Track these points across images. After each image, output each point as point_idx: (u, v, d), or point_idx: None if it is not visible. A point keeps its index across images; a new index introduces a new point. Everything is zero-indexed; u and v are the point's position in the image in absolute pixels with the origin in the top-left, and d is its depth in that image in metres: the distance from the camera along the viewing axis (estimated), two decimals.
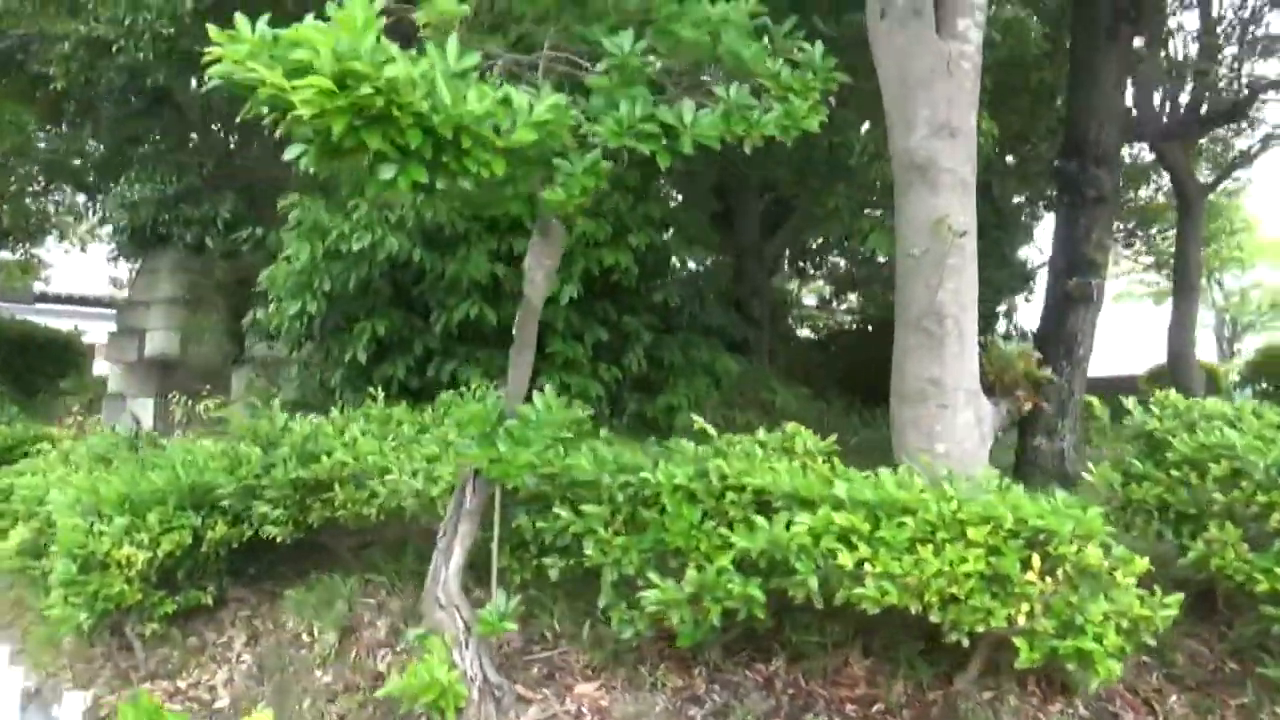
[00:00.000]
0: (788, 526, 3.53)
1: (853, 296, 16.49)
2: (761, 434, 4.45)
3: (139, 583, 5.75)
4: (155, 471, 6.20)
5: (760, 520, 3.61)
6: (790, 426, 4.53)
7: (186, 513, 6.01)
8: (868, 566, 3.41)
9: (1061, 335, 9.53)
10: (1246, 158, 15.07)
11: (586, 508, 4.03)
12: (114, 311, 28.03)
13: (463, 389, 6.75)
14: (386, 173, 2.82)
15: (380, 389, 7.06)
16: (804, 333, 16.57)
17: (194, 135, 9.25)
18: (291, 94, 2.71)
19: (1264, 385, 16.11)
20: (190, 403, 11.07)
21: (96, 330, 21.47)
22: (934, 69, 4.48)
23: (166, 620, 5.91)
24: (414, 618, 5.32)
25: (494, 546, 4.22)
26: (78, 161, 11.37)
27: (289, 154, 2.86)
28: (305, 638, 5.51)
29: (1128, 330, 22.80)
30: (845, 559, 3.41)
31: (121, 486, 6.14)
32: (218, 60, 2.75)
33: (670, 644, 4.24)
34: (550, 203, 3.23)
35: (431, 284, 6.45)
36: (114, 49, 5.86)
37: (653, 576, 3.81)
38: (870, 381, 10.58)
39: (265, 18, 2.88)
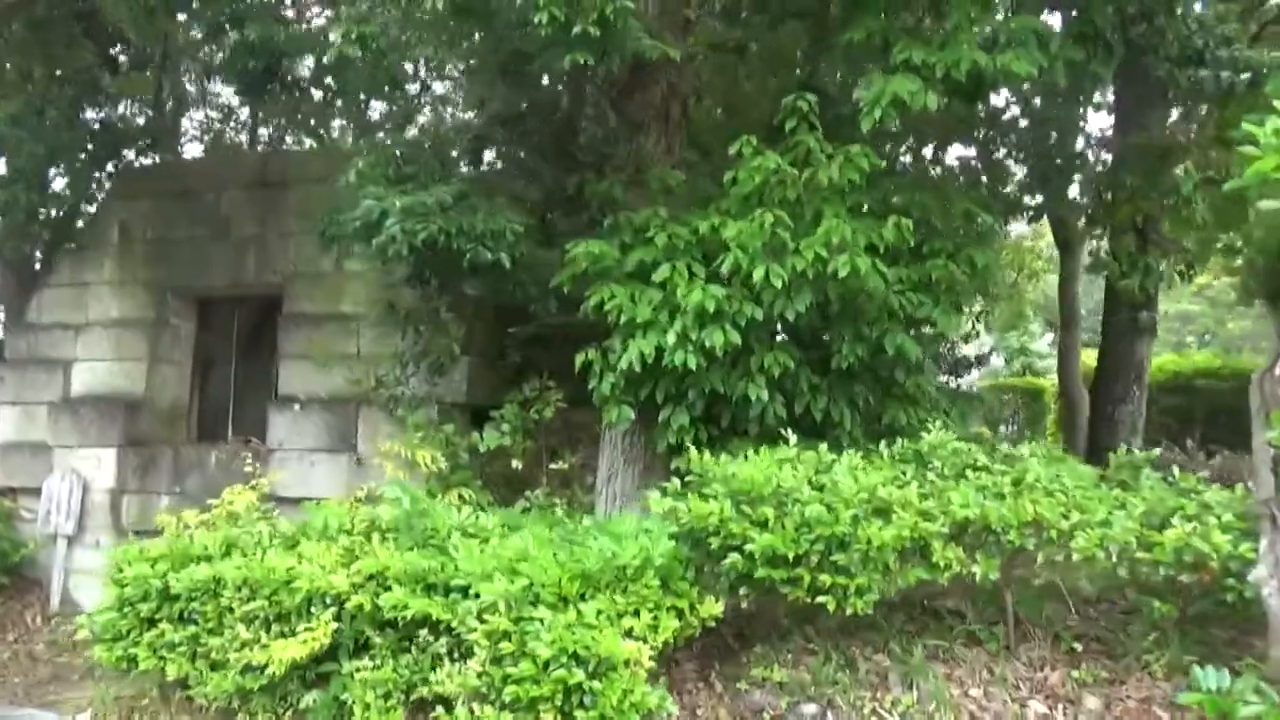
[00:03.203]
0: None
1: None
2: None
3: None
4: (614, 542, 5.00)
5: None
6: None
7: (656, 588, 4.95)
8: None
9: (1131, 363, 10.68)
10: None
11: None
12: None
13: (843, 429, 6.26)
14: None
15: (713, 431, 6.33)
16: None
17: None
18: None
19: None
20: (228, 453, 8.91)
21: None
22: None
23: None
24: (1030, 687, 4.85)
25: None
26: None
27: None
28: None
29: None
30: None
31: (551, 566, 4.90)
32: None
33: None
34: None
35: (840, 313, 5.83)
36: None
37: None
38: None
39: None
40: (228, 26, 7.05)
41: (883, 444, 5.78)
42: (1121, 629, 5.04)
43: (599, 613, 4.70)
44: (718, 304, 5.50)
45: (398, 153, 6.26)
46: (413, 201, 5.76)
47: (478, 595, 5.00)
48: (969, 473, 5.28)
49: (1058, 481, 4.98)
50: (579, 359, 6.18)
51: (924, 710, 4.70)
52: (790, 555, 4.71)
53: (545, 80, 7.22)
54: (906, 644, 5.18)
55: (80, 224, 10.32)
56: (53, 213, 9.40)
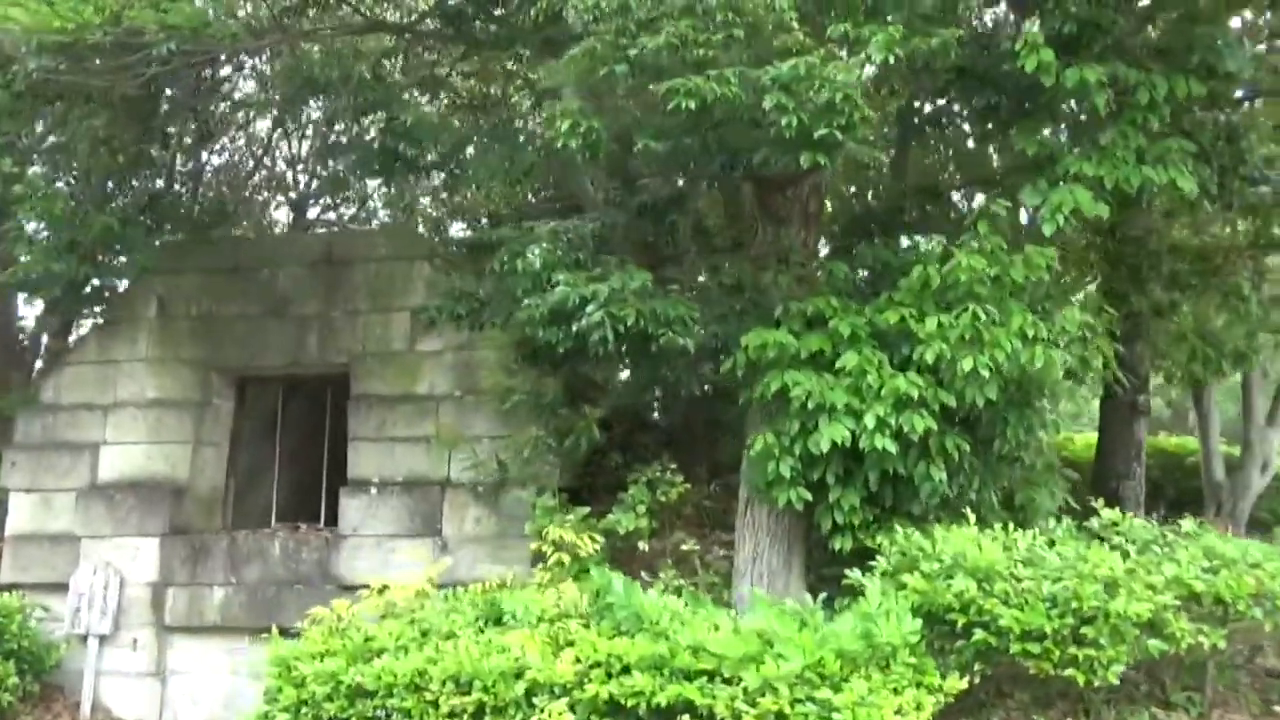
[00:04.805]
0: None
1: None
2: None
3: None
4: (863, 620, 5.12)
5: None
6: None
7: (911, 666, 5.10)
8: None
9: (1131, 442, 11.61)
10: None
11: None
12: None
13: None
14: None
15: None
16: None
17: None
18: None
19: None
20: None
21: None
22: None
23: None
24: None
25: None
26: None
27: None
28: None
29: None
30: None
31: (811, 647, 5.01)
32: None
33: None
34: None
35: (1009, 401, 6.24)
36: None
37: None
38: None
39: None
40: (358, 110, 7.05)
41: (1053, 522, 6.18)
42: None
43: (871, 692, 4.84)
44: (920, 391, 5.83)
45: (567, 238, 6.36)
46: (611, 289, 5.88)
47: (729, 679, 5.05)
48: (1155, 548, 5.73)
49: (1249, 555, 5.48)
50: (756, 442, 6.34)
51: None
52: (1048, 630, 4.99)
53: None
54: (1117, 714, 5.51)
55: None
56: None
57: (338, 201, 12.19)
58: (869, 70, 5.48)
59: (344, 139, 8.22)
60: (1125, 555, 5.56)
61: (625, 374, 9.53)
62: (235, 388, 9.68)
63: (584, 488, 8.60)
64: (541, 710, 5.24)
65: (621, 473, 9.07)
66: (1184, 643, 5.09)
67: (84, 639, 8.65)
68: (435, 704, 5.43)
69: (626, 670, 5.27)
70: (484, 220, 9.82)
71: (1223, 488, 13.52)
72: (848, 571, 5.88)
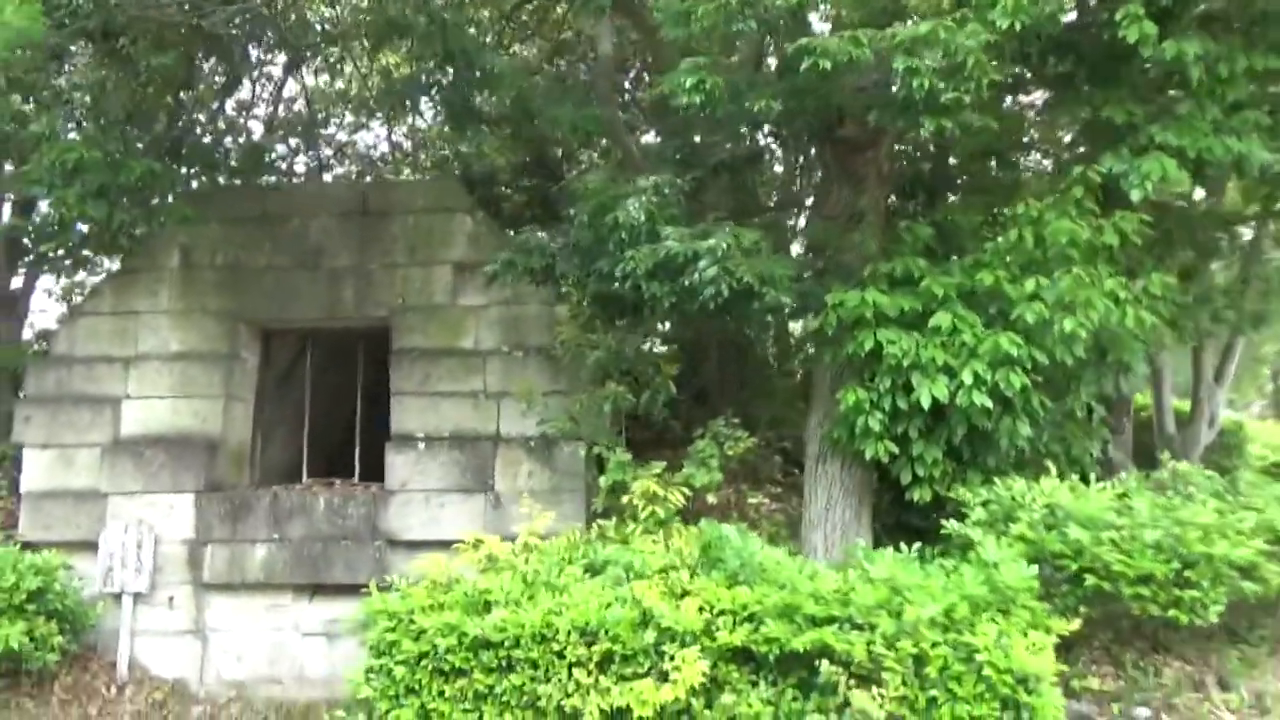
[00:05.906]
0: None
1: None
2: None
3: None
4: (980, 569, 5.36)
5: None
6: None
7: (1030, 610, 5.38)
8: None
9: (1121, 401, 12.21)
10: None
11: None
12: None
13: None
14: None
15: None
16: None
17: None
18: None
19: None
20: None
21: None
22: None
23: None
24: None
25: None
26: None
27: None
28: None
29: None
30: None
31: (938, 593, 5.25)
32: None
33: None
34: None
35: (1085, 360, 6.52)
36: None
37: None
38: None
39: None
40: (437, 63, 6.87)
41: (1123, 474, 6.53)
42: None
43: (1001, 634, 5.09)
44: (1018, 350, 6.06)
45: (665, 191, 6.34)
46: (724, 245, 5.92)
47: (860, 626, 5.25)
48: (1228, 497, 6.13)
49: None
50: (848, 398, 6.50)
51: (1261, 706, 5.42)
52: (1157, 575, 5.31)
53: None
54: (1196, 649, 5.92)
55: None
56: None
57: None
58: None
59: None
60: (1205, 505, 5.93)
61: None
62: (260, 340, 9.43)
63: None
64: (671, 658, 5.37)
65: (659, 428, 9.19)
66: (1274, 584, 5.48)
67: (117, 598, 8.41)
68: (561, 654, 5.51)
69: (751, 619, 5.43)
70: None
71: (1174, 440, 14.33)
72: (945, 522, 6.14)
